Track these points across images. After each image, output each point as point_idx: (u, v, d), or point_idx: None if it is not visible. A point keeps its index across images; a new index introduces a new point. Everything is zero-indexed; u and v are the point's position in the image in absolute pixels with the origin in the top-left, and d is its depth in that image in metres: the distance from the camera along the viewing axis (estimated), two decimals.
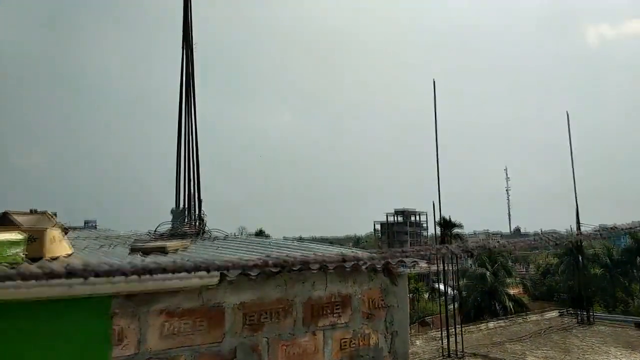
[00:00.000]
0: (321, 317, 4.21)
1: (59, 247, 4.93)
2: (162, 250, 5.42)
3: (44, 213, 6.36)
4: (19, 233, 4.30)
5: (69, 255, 5.01)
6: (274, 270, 3.73)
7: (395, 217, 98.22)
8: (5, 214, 5.67)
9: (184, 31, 10.23)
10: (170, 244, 5.75)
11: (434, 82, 13.76)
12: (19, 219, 5.71)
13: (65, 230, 6.28)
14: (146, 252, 5.41)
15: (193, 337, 3.57)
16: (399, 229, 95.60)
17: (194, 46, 10.18)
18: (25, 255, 4.26)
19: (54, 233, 4.94)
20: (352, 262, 4.26)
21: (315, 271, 4.03)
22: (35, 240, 4.57)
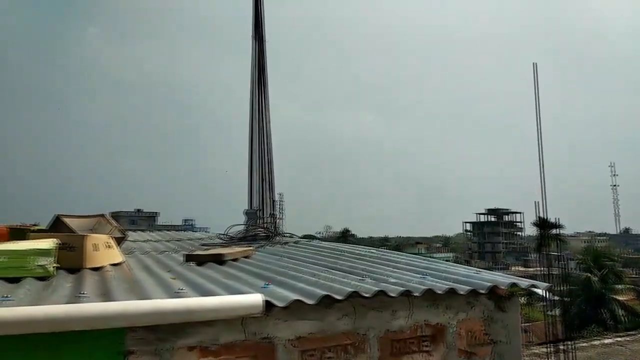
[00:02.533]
0: (404, 355, 3.21)
1: (105, 255, 4.38)
2: (219, 260, 4.71)
3: (102, 215, 5.94)
4: (51, 241, 3.76)
5: (116, 264, 4.46)
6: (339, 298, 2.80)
7: (487, 217, 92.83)
8: (58, 217, 5.30)
9: (254, 29, 9.70)
10: (230, 252, 5.03)
11: (535, 66, 12.09)
12: (72, 222, 5.30)
13: (123, 235, 5.83)
14: (201, 261, 4.74)
15: None
16: (491, 230, 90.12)
17: (265, 44, 9.64)
18: (58, 266, 3.72)
19: (100, 239, 4.40)
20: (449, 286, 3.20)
21: (394, 295, 3.04)
22: (74, 248, 4.04)
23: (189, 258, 4.84)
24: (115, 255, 4.58)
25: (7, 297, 2.66)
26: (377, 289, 3.01)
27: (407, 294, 3.08)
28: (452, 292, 3.25)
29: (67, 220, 5.14)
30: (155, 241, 8.22)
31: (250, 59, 9.57)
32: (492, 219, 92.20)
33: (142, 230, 13.03)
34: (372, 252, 5.03)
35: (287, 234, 7.87)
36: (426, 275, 3.69)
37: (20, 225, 6.01)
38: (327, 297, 2.85)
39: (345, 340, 3.05)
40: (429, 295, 3.20)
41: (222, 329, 2.74)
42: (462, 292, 3.20)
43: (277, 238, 7.48)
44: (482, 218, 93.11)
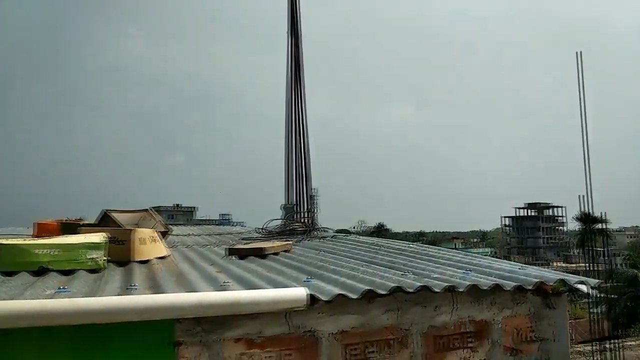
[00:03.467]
0: (448, 351, 3.17)
1: (151, 249, 4.52)
2: (260, 254, 4.78)
3: (146, 210, 6.12)
4: (101, 235, 3.91)
5: (162, 257, 4.59)
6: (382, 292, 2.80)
7: (527, 211, 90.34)
8: (106, 212, 5.49)
9: (291, 24, 9.71)
10: (270, 246, 5.09)
11: (579, 54, 11.65)
12: (119, 217, 5.49)
13: (167, 229, 5.99)
14: (242, 255, 4.82)
15: None
16: (531, 224, 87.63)
17: (301, 40, 9.64)
18: (108, 259, 3.86)
19: (146, 234, 4.54)
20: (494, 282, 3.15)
21: (438, 291, 3.00)
22: (122, 242, 4.18)
23: (231, 252, 4.93)
24: (161, 248, 4.71)
25: (64, 288, 2.79)
26: (420, 284, 2.99)
27: (451, 289, 3.04)
28: (496, 288, 3.19)
29: (114, 215, 5.33)
30: (196, 235, 8.43)
31: (286, 55, 9.61)
32: (532, 214, 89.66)
33: (181, 225, 13.41)
34: (411, 247, 4.99)
35: (324, 229, 7.90)
36: (469, 270, 3.63)
37: (67, 220, 6.28)
38: (369, 292, 2.85)
39: (387, 335, 3.04)
40: (473, 291, 3.15)
41: (266, 321, 2.79)
42: (507, 288, 3.13)
43: (315, 232, 7.52)
44: (522, 212, 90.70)
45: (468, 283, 3.10)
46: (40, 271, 3.45)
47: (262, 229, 8.09)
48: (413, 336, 3.08)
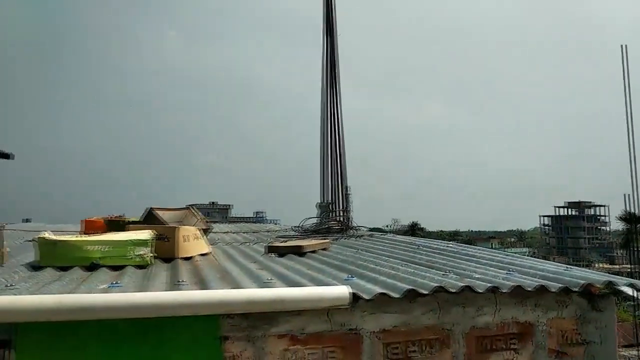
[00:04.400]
0: (491, 352, 3.14)
1: (194, 246, 4.65)
2: (299, 252, 4.84)
3: (188, 208, 6.30)
4: (149, 232, 4.05)
5: (205, 254, 4.71)
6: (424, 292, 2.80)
7: (568, 210, 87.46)
8: (150, 210, 5.68)
9: (326, 23, 9.74)
10: (309, 244, 5.15)
11: (624, 48, 11.20)
12: (163, 215, 5.66)
13: (207, 226, 6.13)
14: (281, 252, 4.90)
15: None
16: (573, 224, 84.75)
17: (336, 38, 9.66)
18: (155, 256, 4.00)
19: (189, 231, 4.67)
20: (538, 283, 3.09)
21: (481, 292, 2.98)
22: (167, 239, 4.32)
23: (270, 249, 5.01)
24: (203, 246, 4.84)
25: (116, 283, 2.92)
26: (462, 284, 2.97)
27: (494, 290, 3.01)
28: (541, 289, 3.13)
29: (158, 213, 5.50)
30: (234, 233, 8.58)
31: (321, 53, 9.63)
32: (573, 213, 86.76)
33: (217, 222, 13.65)
34: (450, 247, 4.95)
35: (359, 227, 7.91)
36: (512, 271, 3.58)
37: (113, 218, 6.52)
38: (411, 292, 2.85)
39: (429, 335, 3.04)
40: (516, 292, 3.10)
41: (309, 318, 2.83)
42: (553, 290, 3.07)
43: (351, 231, 7.55)
44: (562, 212, 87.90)
45: (512, 284, 3.06)
46: (91, 266, 3.61)
47: (298, 227, 8.17)
48: (455, 336, 3.06)
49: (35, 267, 3.61)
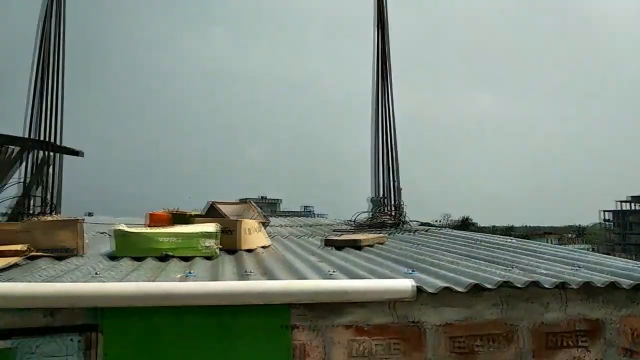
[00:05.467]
0: (558, 349, 3.09)
1: (255, 238, 4.82)
2: (356, 245, 4.91)
3: (246, 202, 6.51)
4: (215, 225, 4.24)
5: (265, 246, 4.88)
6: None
7: (631, 205, 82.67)
8: (212, 204, 5.92)
9: (377, 16, 9.70)
10: (365, 238, 5.21)
11: None
12: (224, 208, 5.88)
13: (266, 220, 6.32)
14: (339, 246, 4.98)
15: None
16: (636, 219, 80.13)
17: (388, 32, 9.60)
18: (220, 248, 4.19)
19: (250, 224, 4.85)
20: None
21: (549, 287, 2.94)
22: (230, 232, 4.50)
23: (327, 243, 5.11)
24: (263, 238, 5.01)
25: (190, 273, 3.10)
26: (528, 279, 2.94)
27: (561, 286, 2.96)
28: (610, 285, 3.05)
29: (219, 207, 5.73)
30: (289, 226, 8.77)
31: (372, 48, 9.61)
32: (637, 207, 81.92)
33: (268, 216, 13.93)
34: (511, 242, 4.86)
35: (413, 222, 7.88)
36: (578, 266, 3.50)
37: (177, 211, 6.83)
38: (476, 286, 2.85)
39: (494, 330, 3.02)
40: (585, 288, 3.03)
41: (373, 310, 2.89)
42: (625, 286, 2.98)
43: (405, 226, 7.54)
44: (625, 206, 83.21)
45: (580, 280, 3.00)
46: (163, 257, 3.83)
47: (351, 221, 8.24)
48: (521, 332, 3.03)
49: (112, 257, 3.87)
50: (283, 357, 2.77)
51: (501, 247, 4.54)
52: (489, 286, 2.85)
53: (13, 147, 7.19)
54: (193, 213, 6.23)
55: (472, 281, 2.88)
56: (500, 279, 2.90)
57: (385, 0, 9.65)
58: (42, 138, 7.31)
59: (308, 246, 5.12)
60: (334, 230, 7.31)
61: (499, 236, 5.51)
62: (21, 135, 7.16)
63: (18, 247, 3.46)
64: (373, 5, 9.69)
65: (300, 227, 8.60)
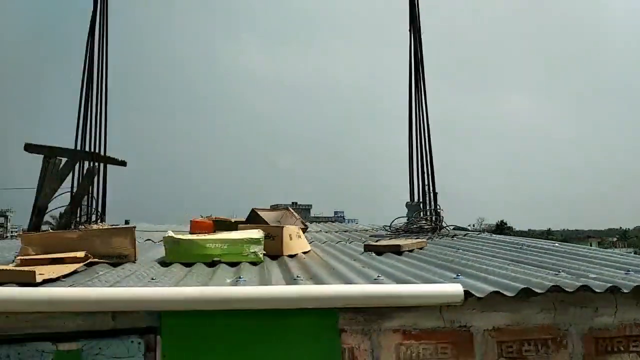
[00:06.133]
0: (610, 354, 3.04)
1: (297, 244, 4.90)
2: (397, 251, 4.93)
3: (286, 209, 6.63)
4: (259, 231, 4.35)
5: (307, 252, 4.96)
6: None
7: None
8: (253, 210, 6.06)
9: (410, 20, 9.71)
10: (405, 243, 5.22)
11: None
12: (264, 215, 6.01)
13: (305, 226, 6.41)
14: (379, 251, 5.01)
15: None
16: None
17: (421, 35, 9.58)
18: (264, 253, 4.29)
19: (292, 230, 4.94)
20: None
21: (600, 292, 2.90)
22: (273, 238, 4.60)
23: (368, 248, 5.15)
24: (305, 244, 5.09)
25: (241, 277, 3.20)
26: (579, 283, 2.91)
27: (613, 290, 2.92)
28: None
29: (261, 214, 5.87)
30: (325, 232, 8.84)
31: (407, 51, 9.60)
32: None
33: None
34: (558, 246, 4.79)
35: (453, 226, 7.82)
36: (629, 271, 3.43)
37: (218, 218, 7.01)
38: (526, 290, 2.84)
39: (544, 335, 3.01)
40: (637, 293, 2.97)
41: (421, 314, 2.92)
42: None
43: (442, 230, 7.49)
44: None
45: (633, 284, 2.95)
46: (211, 263, 3.96)
47: (388, 226, 8.24)
48: (572, 337, 3.00)
49: (163, 263, 4.02)
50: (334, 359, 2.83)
51: (547, 251, 4.48)
52: (539, 291, 2.83)
53: (62, 158, 7.53)
54: (234, 220, 6.40)
55: (521, 285, 2.87)
56: (550, 284, 2.88)
57: (418, 4, 9.66)
58: (89, 149, 7.68)
59: (348, 251, 5.17)
60: (371, 236, 7.34)
61: (543, 240, 5.42)
62: (71, 147, 7.52)
63: (78, 254, 3.65)
64: (407, 8, 9.69)
65: (337, 232, 8.65)
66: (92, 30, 8.03)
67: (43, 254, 3.74)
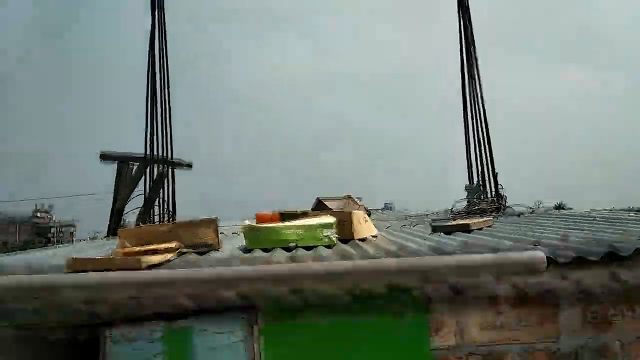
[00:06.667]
0: None
1: (366, 228, 5.05)
2: (466, 229, 4.98)
3: (349, 197, 6.80)
4: (331, 216, 4.53)
5: (375, 236, 5.09)
6: None
7: None
8: (319, 199, 6.27)
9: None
10: (475, 222, 5.26)
11: None
12: (329, 203, 6.22)
13: (369, 212, 6.55)
14: (448, 231, 5.07)
15: (519, 332, 2.98)
16: None
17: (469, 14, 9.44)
18: (337, 237, 4.46)
19: (360, 215, 5.09)
20: None
21: None
22: (344, 223, 4.77)
23: (436, 229, 5.22)
24: (372, 228, 5.23)
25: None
26: None
27: None
28: None
29: (325, 202, 6.08)
30: (383, 220, 8.93)
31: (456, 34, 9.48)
32: None
33: None
34: (632, 216, 4.69)
35: (517, 205, 7.71)
36: None
37: (285, 211, 7.24)
38: (609, 254, 2.86)
39: (630, 299, 3.01)
40: None
41: (504, 282, 3.00)
42: None
43: (508, 210, 7.42)
44: None
45: None
46: (289, 248, 4.17)
47: (450, 210, 8.23)
48: None
49: (245, 250, 4.28)
50: (422, 332, 2.97)
51: (622, 221, 4.41)
52: (624, 254, 2.85)
53: (134, 163, 8.04)
54: (300, 211, 6.62)
55: (604, 250, 2.89)
56: (635, 246, 2.88)
57: None
58: (158, 154, 8.15)
59: (416, 233, 5.26)
60: (433, 220, 7.38)
61: (618, 211, 5.30)
62: (141, 153, 8.03)
63: (170, 244, 3.96)
64: None
65: (396, 220, 8.73)
66: (152, 45, 8.46)
67: (138, 246, 4.08)
